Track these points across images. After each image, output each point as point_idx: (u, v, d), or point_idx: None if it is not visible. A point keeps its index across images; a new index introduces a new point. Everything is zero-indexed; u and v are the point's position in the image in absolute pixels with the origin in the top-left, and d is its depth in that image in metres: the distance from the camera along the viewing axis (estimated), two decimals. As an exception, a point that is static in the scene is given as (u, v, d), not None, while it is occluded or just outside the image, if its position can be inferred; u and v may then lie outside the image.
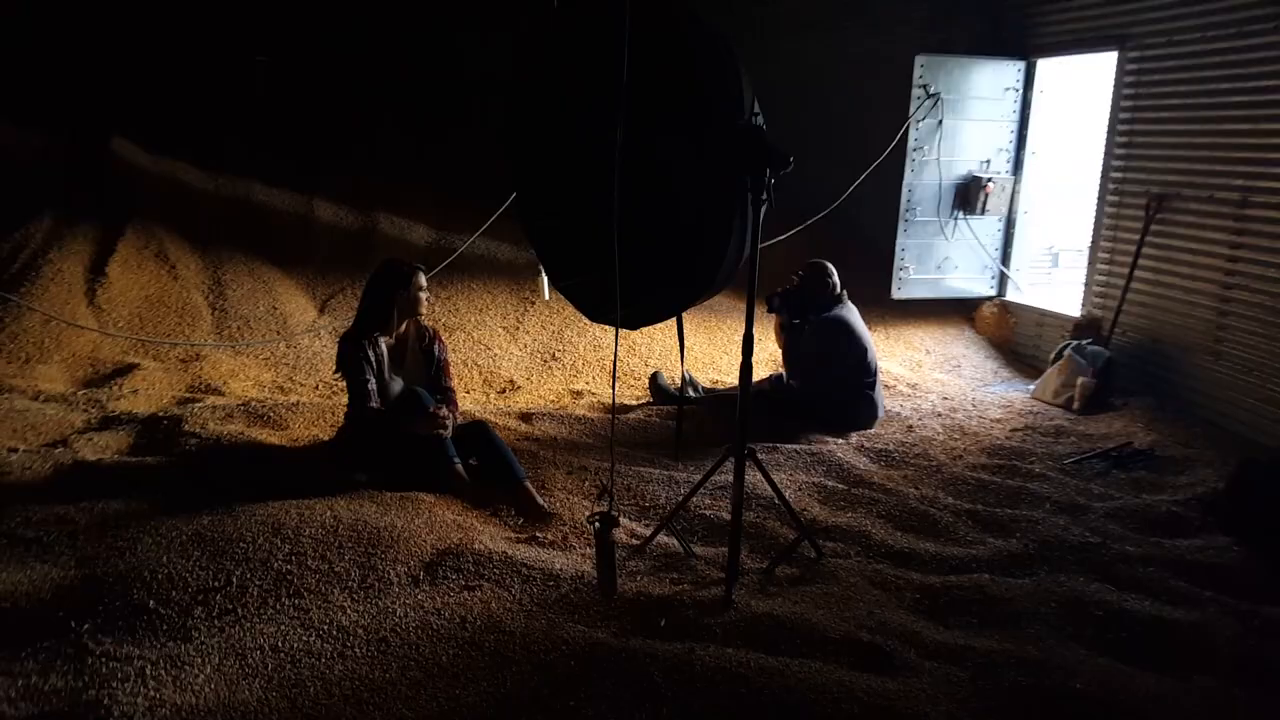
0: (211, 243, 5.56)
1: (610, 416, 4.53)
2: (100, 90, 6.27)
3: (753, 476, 3.35)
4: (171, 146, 6.09)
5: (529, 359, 5.50)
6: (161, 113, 6.30)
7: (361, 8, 7.15)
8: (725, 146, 2.62)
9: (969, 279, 6.95)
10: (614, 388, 5.11)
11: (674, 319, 3.03)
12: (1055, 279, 7.76)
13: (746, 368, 2.81)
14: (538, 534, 3.14)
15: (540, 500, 3.37)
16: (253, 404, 4.05)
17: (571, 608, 2.60)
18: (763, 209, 2.64)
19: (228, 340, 4.95)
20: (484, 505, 3.31)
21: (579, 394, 5.12)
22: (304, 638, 2.36)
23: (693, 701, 2.18)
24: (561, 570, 2.80)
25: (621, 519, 3.23)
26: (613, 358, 4.92)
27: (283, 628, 2.40)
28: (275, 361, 4.86)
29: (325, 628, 2.41)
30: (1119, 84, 5.80)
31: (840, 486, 3.86)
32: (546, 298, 5.70)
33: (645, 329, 6.23)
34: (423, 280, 3.60)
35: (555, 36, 2.98)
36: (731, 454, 2.84)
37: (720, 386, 5.46)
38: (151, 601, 2.45)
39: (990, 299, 6.96)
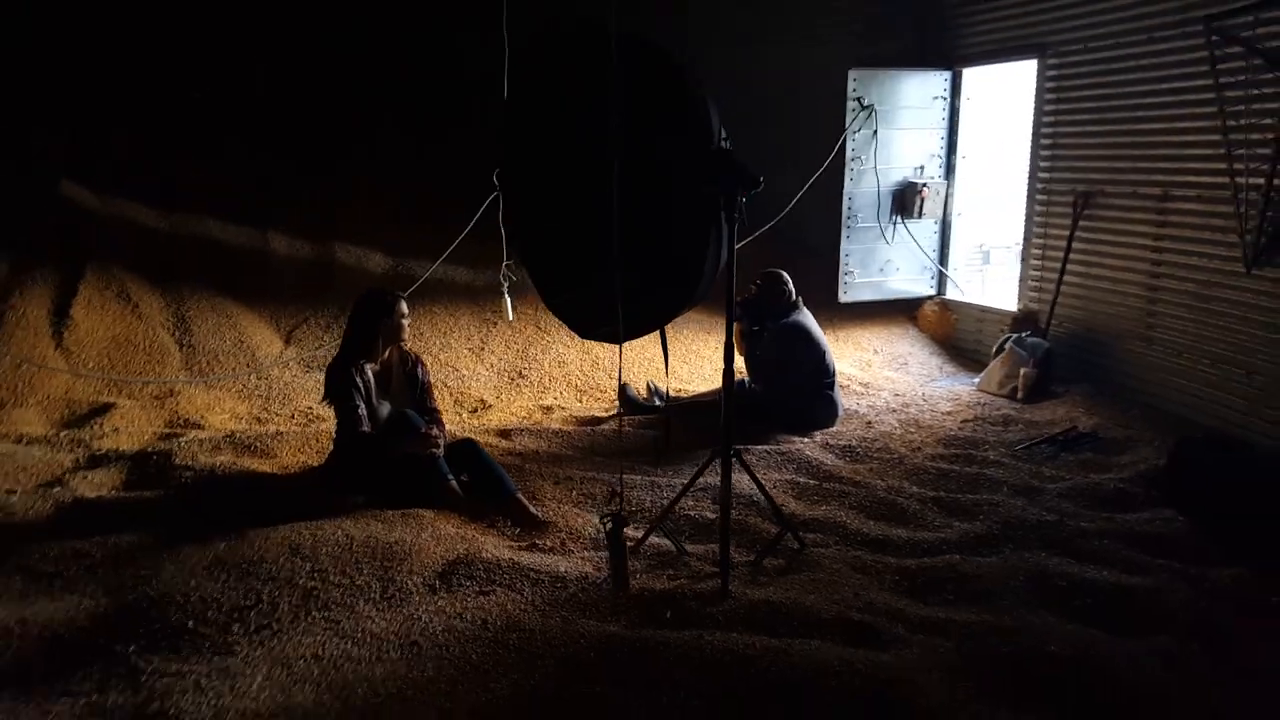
0: (171, 280, 5.54)
1: (583, 428, 4.70)
2: (45, 129, 6.19)
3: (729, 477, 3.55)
4: (119, 183, 6.05)
5: (497, 378, 5.61)
6: (107, 147, 6.24)
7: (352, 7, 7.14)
8: (698, 170, 2.83)
9: (910, 280, 7.27)
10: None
11: (656, 332, 3.24)
12: (988, 276, 8.14)
13: (729, 374, 2.99)
14: (536, 541, 3.28)
15: (533, 510, 3.50)
16: (237, 435, 4.14)
17: (582, 605, 2.75)
18: (735, 225, 2.85)
19: (198, 375, 4.95)
20: (480, 518, 3.44)
21: (549, 409, 5.24)
22: (341, 645, 2.49)
23: (705, 683, 2.34)
24: (566, 572, 2.95)
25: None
26: (580, 370, 5.06)
27: (319, 638, 2.53)
28: (249, 394, 4.89)
29: (358, 635, 2.54)
30: (1040, 90, 6.17)
31: (812, 482, 4.06)
32: (510, 319, 5.82)
33: (607, 345, 6.41)
34: (404, 308, 3.73)
35: (543, 68, 3.17)
36: (718, 456, 3.01)
37: (684, 395, 5.64)
38: (190, 622, 2.57)
39: (931, 298, 7.28)
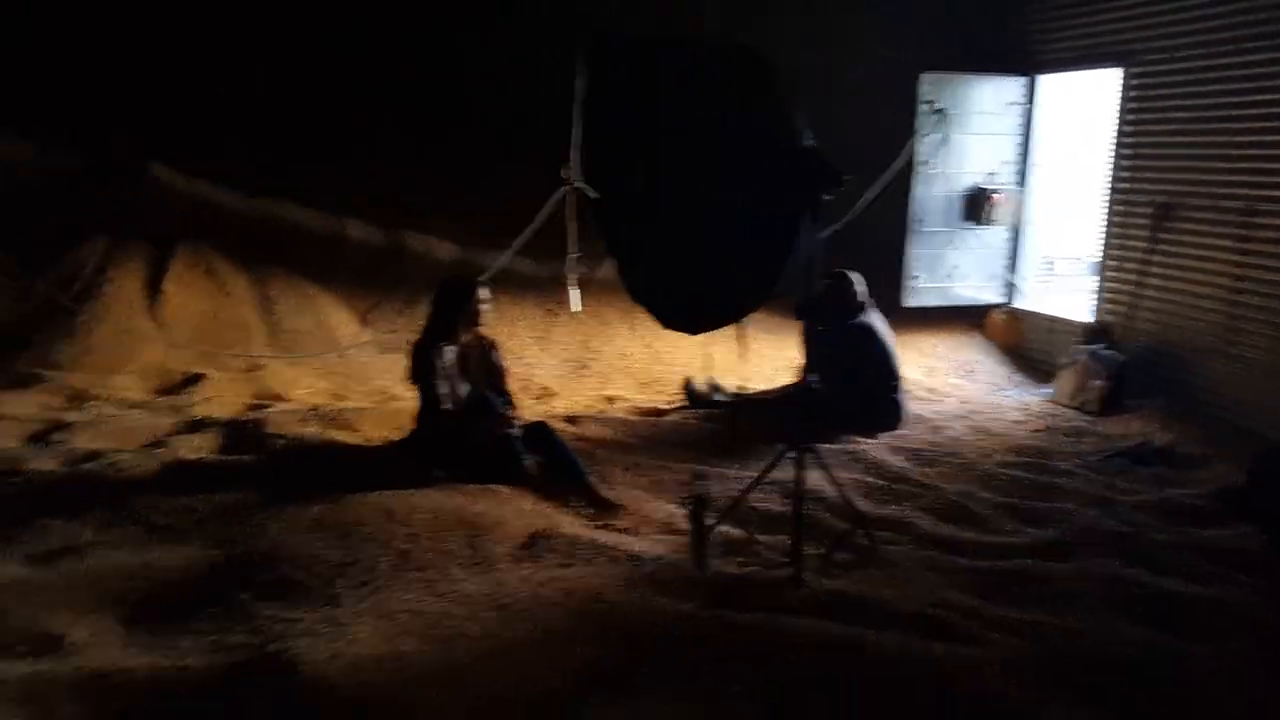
0: (254, 261, 5.82)
1: (647, 419, 4.78)
2: (130, 113, 6.45)
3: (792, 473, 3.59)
4: (201, 166, 6.30)
5: (560, 367, 5.72)
6: (188, 131, 6.48)
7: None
8: (784, 168, 2.89)
9: (978, 287, 7.19)
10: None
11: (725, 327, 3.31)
12: (1054, 286, 8.02)
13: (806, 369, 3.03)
14: (610, 522, 3.38)
15: (605, 493, 3.60)
16: (320, 409, 4.35)
17: (658, 584, 2.83)
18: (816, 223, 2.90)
19: (283, 351, 5.18)
20: (553, 498, 3.55)
21: (611, 400, 5.31)
22: (438, 604, 2.64)
23: (778, 664, 2.39)
24: (641, 552, 3.06)
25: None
26: (641, 363, 5.13)
27: (416, 595, 2.69)
28: (329, 371, 5.12)
29: (452, 595, 2.70)
30: (1124, 98, 6.06)
31: (880, 482, 4.06)
32: (576, 309, 5.89)
33: (667, 339, 6.48)
34: (484, 294, 3.87)
35: (622, 69, 3.25)
36: (790, 450, 3.05)
37: (746, 391, 5.66)
38: (299, 574, 2.75)
39: (999, 306, 7.20)
